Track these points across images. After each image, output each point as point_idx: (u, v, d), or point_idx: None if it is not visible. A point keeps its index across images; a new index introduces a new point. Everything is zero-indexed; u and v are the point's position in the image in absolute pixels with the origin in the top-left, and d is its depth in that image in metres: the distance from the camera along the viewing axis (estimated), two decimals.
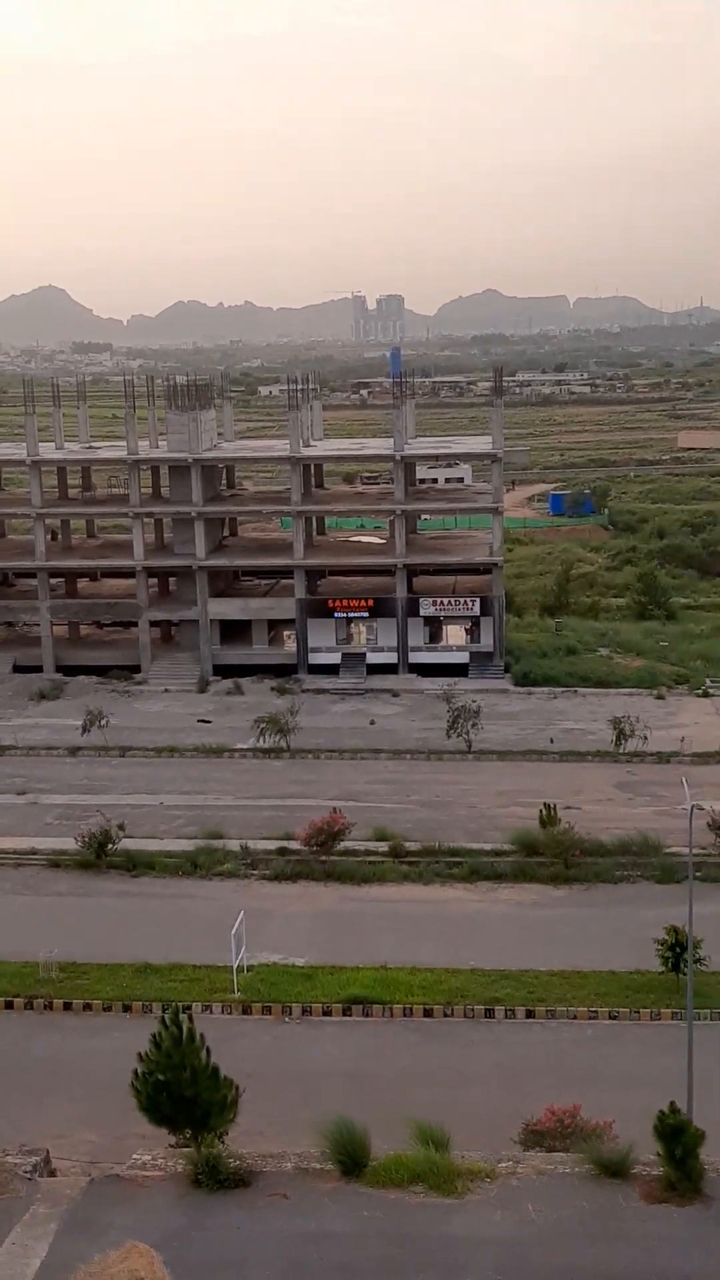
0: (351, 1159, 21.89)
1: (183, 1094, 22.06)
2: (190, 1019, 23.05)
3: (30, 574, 74.76)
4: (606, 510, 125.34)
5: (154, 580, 75.35)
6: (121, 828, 44.14)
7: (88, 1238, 20.33)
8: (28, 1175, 22.32)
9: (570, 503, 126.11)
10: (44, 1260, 19.94)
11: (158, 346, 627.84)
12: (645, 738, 54.22)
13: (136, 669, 70.47)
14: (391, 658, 69.86)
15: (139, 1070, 22.71)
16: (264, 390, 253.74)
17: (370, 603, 70.25)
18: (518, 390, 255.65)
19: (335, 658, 69.99)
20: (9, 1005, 34.20)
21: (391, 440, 73.55)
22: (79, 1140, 27.53)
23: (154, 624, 73.00)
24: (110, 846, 43.35)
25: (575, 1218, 20.68)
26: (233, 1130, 22.96)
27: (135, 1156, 23.07)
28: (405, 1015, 33.38)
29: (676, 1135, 21.05)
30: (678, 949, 33.18)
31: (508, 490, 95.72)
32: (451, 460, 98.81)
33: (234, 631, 72.44)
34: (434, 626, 71.70)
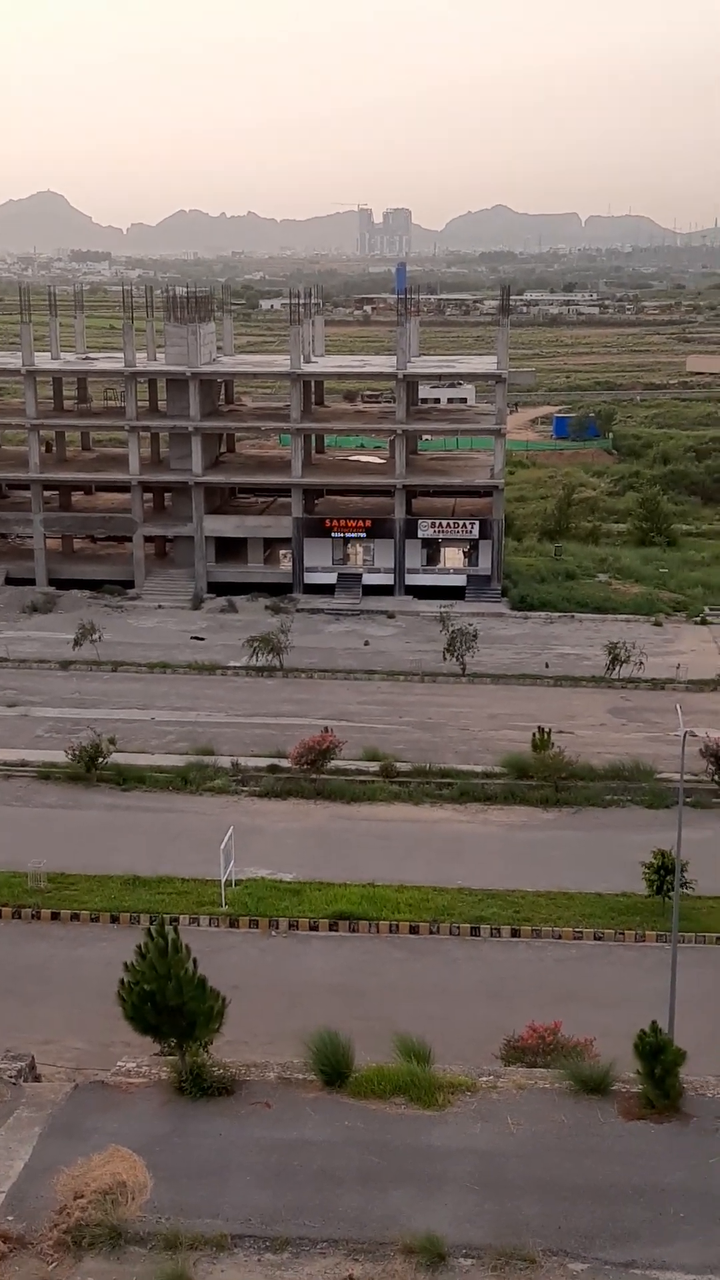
0: (334, 1070, 22.10)
1: (168, 1003, 22.15)
2: (176, 930, 23.09)
3: (24, 486, 73.98)
4: (611, 434, 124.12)
5: (149, 495, 74.66)
6: (112, 741, 44.14)
7: (71, 1142, 20.57)
8: (13, 1080, 22.54)
9: (575, 426, 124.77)
10: (27, 1163, 20.18)
11: (157, 256, 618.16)
12: (641, 664, 54.11)
13: (130, 584, 70.07)
14: (388, 579, 69.46)
15: (125, 980, 22.80)
16: (265, 304, 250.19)
17: (368, 523, 69.69)
18: (525, 310, 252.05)
19: (331, 578, 69.59)
20: None
21: (394, 358, 72.44)
22: (65, 1047, 27.82)
23: (148, 539, 72.45)
24: (101, 760, 43.35)
25: (554, 1132, 20.92)
26: (217, 1040, 23.12)
27: (120, 1064, 23.30)
28: (392, 932, 33.62)
29: (656, 1054, 21.23)
30: (664, 872, 33.34)
31: (511, 412, 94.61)
32: (455, 380, 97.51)
33: (229, 549, 71.94)
34: (432, 549, 71.20)
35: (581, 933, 33.47)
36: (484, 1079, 22.45)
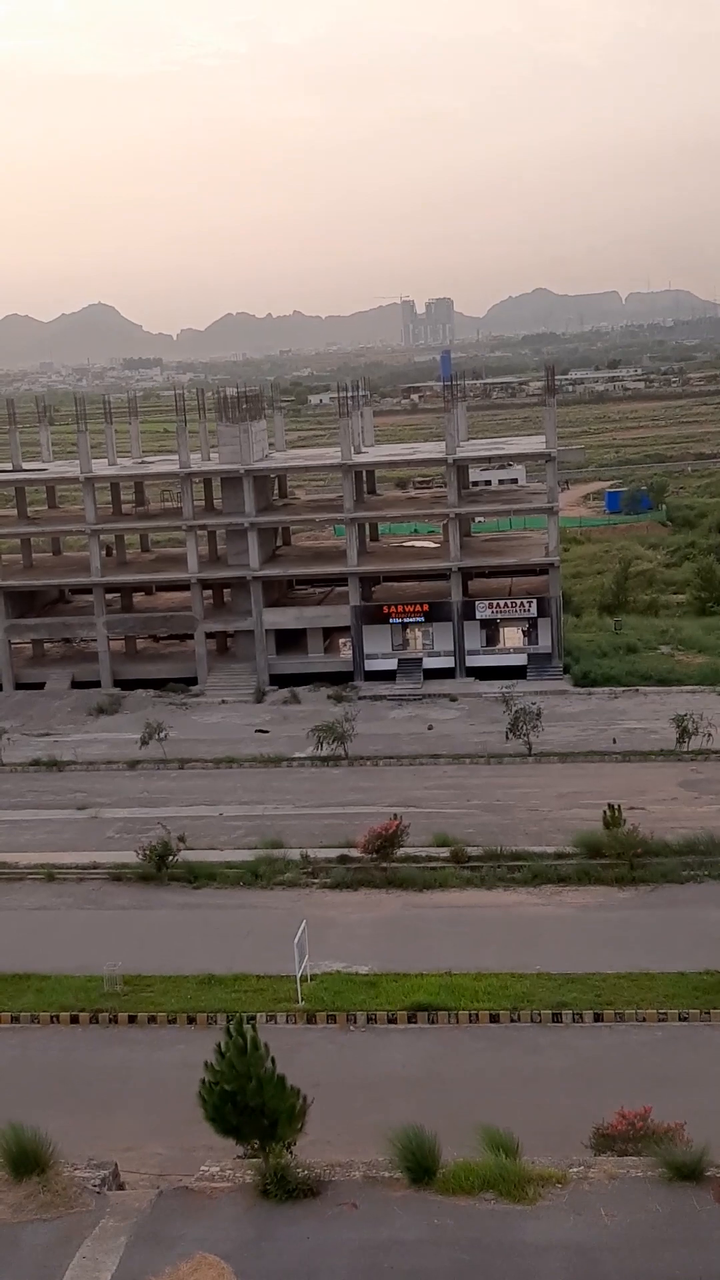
0: (420, 1167, 21.64)
1: (249, 1104, 21.93)
2: (255, 1028, 22.92)
3: (86, 590, 75.45)
4: (664, 506, 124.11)
5: (209, 592, 75.72)
6: (182, 839, 44.29)
7: (157, 1250, 20.28)
8: (96, 1189, 22.31)
9: (627, 500, 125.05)
10: (114, 1273, 19.90)
11: (207, 359, 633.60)
12: (709, 735, 53.44)
13: (193, 681, 70.78)
14: (448, 662, 69.53)
15: (205, 1081, 22.61)
16: (314, 399, 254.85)
17: (425, 607, 70.04)
18: (570, 388, 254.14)
19: (391, 663, 69.82)
20: (74, 1020, 34.32)
21: (443, 444, 73.34)
22: (147, 1153, 27.55)
23: (210, 635, 73.31)
24: (171, 859, 43.46)
25: (649, 1222, 20.29)
26: (300, 1140, 22.79)
27: (203, 1168, 22.98)
28: (471, 1021, 33.05)
29: None
30: None
31: (562, 490, 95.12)
32: (505, 461, 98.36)
33: (289, 640, 72.55)
34: (491, 629, 71.28)
35: (666, 1014, 32.69)
36: (574, 1170, 21.86)
